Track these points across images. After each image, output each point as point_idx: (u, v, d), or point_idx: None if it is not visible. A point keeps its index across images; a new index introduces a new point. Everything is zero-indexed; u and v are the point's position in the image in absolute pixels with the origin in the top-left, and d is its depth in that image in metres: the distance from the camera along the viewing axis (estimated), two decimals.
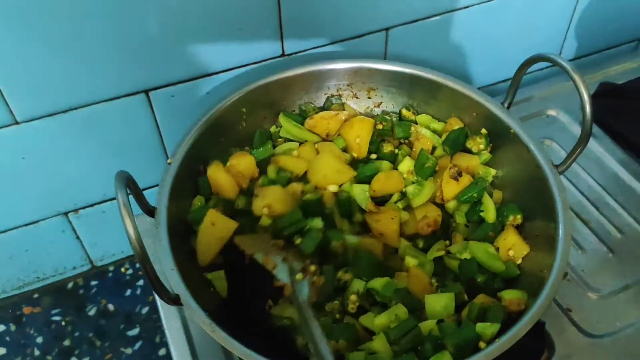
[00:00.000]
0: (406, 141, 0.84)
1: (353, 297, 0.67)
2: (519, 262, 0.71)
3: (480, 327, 0.63)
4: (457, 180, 0.75)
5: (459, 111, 0.81)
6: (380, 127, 0.82)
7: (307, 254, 0.70)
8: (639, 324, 0.74)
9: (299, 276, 0.67)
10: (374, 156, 0.82)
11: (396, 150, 0.82)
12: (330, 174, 0.77)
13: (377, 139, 0.83)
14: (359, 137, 0.81)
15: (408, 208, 0.77)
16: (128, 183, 0.58)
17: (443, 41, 0.97)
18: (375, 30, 0.89)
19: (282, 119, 0.82)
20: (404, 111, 0.84)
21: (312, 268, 0.68)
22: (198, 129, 0.73)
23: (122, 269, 0.98)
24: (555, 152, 0.95)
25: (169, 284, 0.60)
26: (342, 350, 0.62)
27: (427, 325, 0.65)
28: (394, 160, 0.81)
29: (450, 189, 0.76)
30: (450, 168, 0.76)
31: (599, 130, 0.97)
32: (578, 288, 0.78)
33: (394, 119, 0.84)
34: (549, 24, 1.05)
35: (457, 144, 0.80)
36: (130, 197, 0.62)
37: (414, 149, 0.81)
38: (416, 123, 0.84)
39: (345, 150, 0.82)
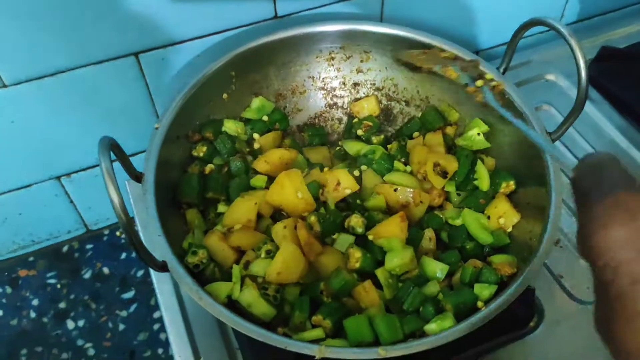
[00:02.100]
0: None
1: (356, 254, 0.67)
2: (509, 229, 0.71)
3: (478, 287, 0.64)
4: (445, 177, 0.75)
5: None
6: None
7: None
8: None
9: (479, 82, 0.71)
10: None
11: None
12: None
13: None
14: (300, 190, 0.71)
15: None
16: (113, 148, 0.57)
17: (442, 2, 0.94)
18: None
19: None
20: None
21: (489, 76, 0.73)
22: (186, 93, 0.71)
23: (117, 233, 0.98)
24: (553, 117, 0.93)
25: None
26: (328, 330, 0.62)
27: (431, 288, 0.66)
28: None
29: (439, 181, 0.75)
30: (434, 167, 0.74)
31: (597, 95, 0.96)
32: (570, 255, 0.78)
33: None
34: None
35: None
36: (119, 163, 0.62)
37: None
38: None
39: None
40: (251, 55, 0.77)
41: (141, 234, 0.79)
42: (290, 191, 0.70)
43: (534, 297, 0.73)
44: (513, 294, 0.58)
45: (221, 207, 0.72)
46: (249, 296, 0.62)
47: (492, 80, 0.72)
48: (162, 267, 0.59)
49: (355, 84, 0.86)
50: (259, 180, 0.73)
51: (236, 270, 0.65)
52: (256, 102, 0.82)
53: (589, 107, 0.94)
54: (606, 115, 0.93)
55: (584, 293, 0.74)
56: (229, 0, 0.78)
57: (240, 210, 0.69)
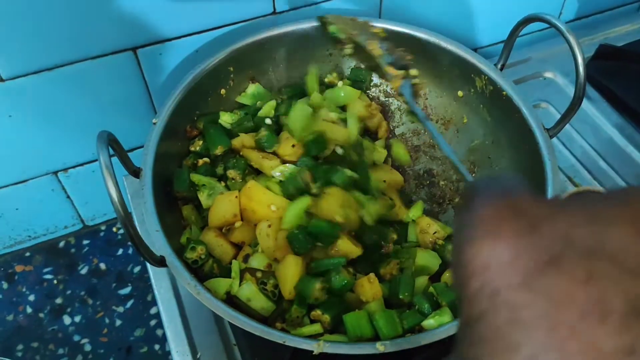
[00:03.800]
0: None
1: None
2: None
3: None
4: None
5: (452, 72, 0.79)
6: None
7: None
8: None
9: (401, 73, 0.65)
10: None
11: None
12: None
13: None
14: (272, 203, 0.69)
15: None
16: (111, 143, 0.57)
17: None
18: None
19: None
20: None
21: (414, 71, 0.66)
22: (184, 88, 0.71)
23: (114, 229, 0.98)
24: (550, 114, 0.93)
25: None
26: (327, 324, 0.62)
27: (421, 282, 0.66)
28: None
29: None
30: None
31: (595, 93, 0.96)
32: None
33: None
34: None
35: None
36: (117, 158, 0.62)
37: None
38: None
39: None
40: (249, 51, 0.78)
41: (139, 229, 0.78)
42: (262, 210, 0.68)
43: None
44: None
45: (201, 196, 0.71)
46: (248, 291, 0.62)
47: (415, 77, 0.67)
48: (161, 262, 0.59)
49: None
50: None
51: (236, 265, 0.65)
52: (252, 87, 0.81)
53: (586, 105, 0.94)
54: (604, 113, 0.94)
55: None
56: None
57: (224, 207, 0.69)
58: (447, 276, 0.68)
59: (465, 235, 0.25)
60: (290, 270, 0.63)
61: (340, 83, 0.83)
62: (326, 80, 0.84)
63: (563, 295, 0.22)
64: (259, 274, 0.65)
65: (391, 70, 0.66)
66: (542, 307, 0.22)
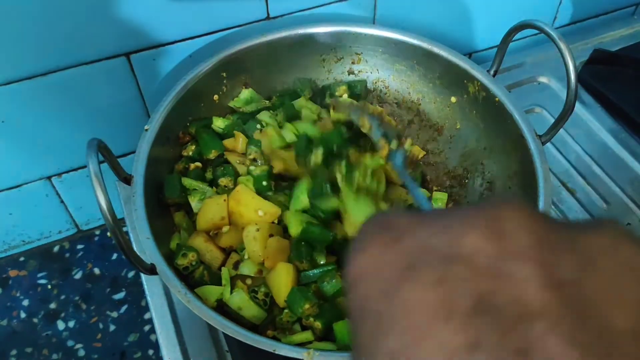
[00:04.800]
0: None
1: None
2: None
3: None
4: None
5: (445, 78, 0.79)
6: None
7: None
8: None
9: (394, 144, 0.69)
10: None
11: None
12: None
13: None
14: (259, 208, 0.70)
15: None
16: (101, 150, 0.57)
17: (435, 3, 0.94)
18: None
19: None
20: None
21: (408, 142, 0.72)
22: (176, 94, 0.71)
23: (108, 234, 0.98)
24: (545, 119, 0.93)
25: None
26: (318, 331, 0.62)
27: None
28: None
29: None
30: None
31: (589, 98, 0.96)
32: None
33: None
34: None
35: None
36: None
37: None
38: None
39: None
40: (243, 56, 0.77)
41: (131, 235, 0.78)
42: (249, 214, 0.68)
43: None
44: None
45: (192, 200, 0.71)
46: (239, 299, 0.62)
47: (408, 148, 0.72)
48: (151, 270, 0.59)
49: None
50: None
51: (225, 272, 0.65)
52: (245, 93, 0.81)
53: (580, 109, 0.94)
54: (598, 117, 0.94)
55: None
56: (221, 1, 0.78)
57: (212, 210, 0.68)
58: None
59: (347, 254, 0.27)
60: (283, 279, 0.63)
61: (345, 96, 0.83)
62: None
63: (415, 300, 0.23)
64: (249, 281, 0.65)
65: (381, 142, 0.69)
66: (396, 313, 0.23)
